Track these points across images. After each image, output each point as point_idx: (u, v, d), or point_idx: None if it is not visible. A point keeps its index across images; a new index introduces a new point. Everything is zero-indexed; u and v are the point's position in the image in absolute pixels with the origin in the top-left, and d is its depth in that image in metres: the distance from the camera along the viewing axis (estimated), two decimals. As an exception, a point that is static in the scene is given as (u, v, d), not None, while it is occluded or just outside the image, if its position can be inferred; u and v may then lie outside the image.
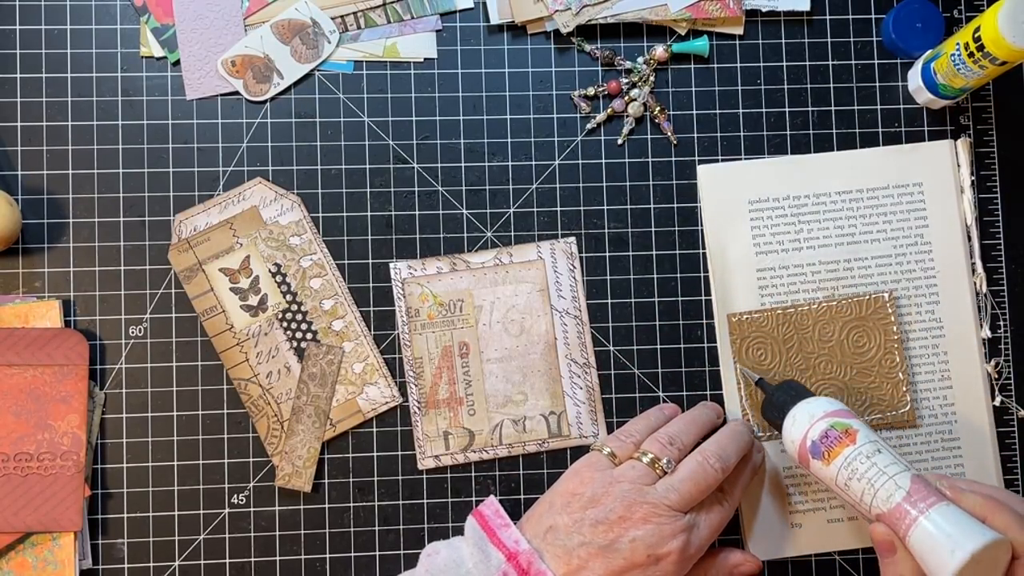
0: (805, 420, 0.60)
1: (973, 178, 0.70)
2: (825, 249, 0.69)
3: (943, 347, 0.68)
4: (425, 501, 0.67)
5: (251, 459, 0.67)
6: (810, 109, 0.70)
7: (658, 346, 0.69)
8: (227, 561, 0.66)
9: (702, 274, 0.69)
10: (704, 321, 0.69)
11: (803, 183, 0.69)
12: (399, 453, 0.67)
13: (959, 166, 0.69)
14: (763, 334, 0.68)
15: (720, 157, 0.69)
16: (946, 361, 0.68)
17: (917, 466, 0.68)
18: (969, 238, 0.69)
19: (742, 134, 0.70)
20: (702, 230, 0.69)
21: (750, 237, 0.69)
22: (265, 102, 0.68)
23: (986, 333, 0.69)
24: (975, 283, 0.69)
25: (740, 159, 0.69)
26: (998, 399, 0.69)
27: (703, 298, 0.69)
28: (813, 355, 0.68)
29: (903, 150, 0.69)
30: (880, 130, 0.70)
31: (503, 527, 0.60)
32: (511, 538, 0.59)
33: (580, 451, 0.67)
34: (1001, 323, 0.70)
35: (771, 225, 0.69)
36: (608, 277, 0.69)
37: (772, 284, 0.68)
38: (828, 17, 0.71)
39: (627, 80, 0.69)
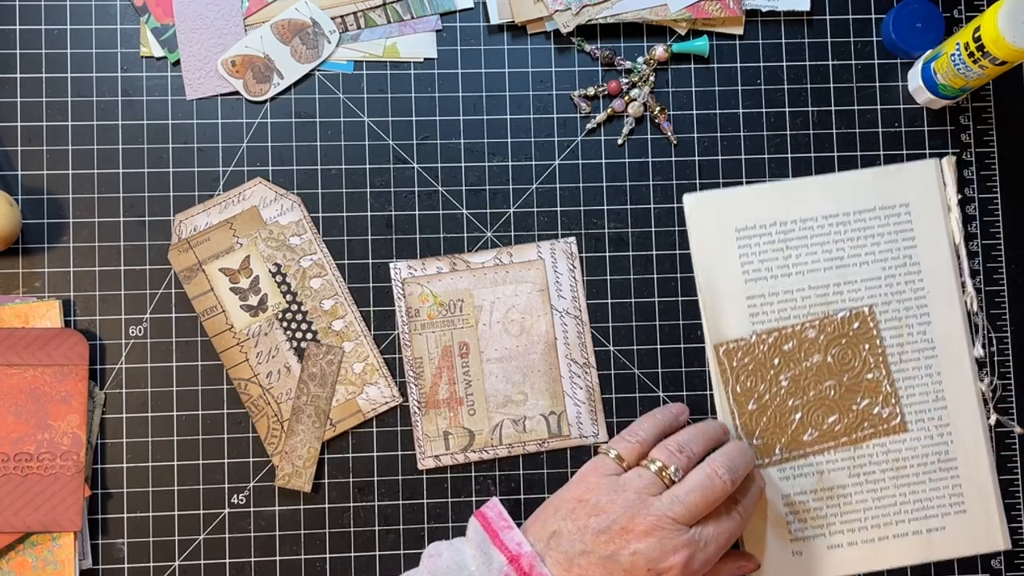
0: None
1: (959, 196, 0.69)
2: (814, 274, 0.68)
3: (936, 367, 0.68)
4: (425, 501, 0.67)
5: (251, 459, 0.67)
6: (810, 109, 0.70)
7: (658, 346, 0.69)
8: (227, 561, 0.66)
9: (702, 274, 0.69)
10: (704, 321, 0.69)
11: (789, 208, 0.68)
12: (399, 453, 0.67)
13: (945, 185, 0.69)
14: (752, 361, 0.67)
15: (720, 157, 0.69)
16: (939, 381, 0.68)
17: (913, 487, 0.67)
18: (958, 256, 0.69)
19: (742, 134, 0.70)
20: (691, 258, 0.68)
21: (739, 265, 0.68)
22: (265, 102, 0.68)
23: (978, 352, 0.69)
24: (966, 302, 0.69)
25: (740, 158, 0.69)
26: (993, 417, 0.68)
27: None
28: (801, 377, 0.67)
29: (888, 171, 0.69)
30: (880, 130, 0.70)
31: (506, 529, 0.60)
32: (513, 540, 0.59)
33: (580, 451, 0.67)
34: (995, 339, 0.69)
35: (759, 252, 0.68)
36: (608, 277, 0.69)
37: (763, 311, 0.68)
38: (828, 17, 0.71)
39: (627, 80, 0.69)
